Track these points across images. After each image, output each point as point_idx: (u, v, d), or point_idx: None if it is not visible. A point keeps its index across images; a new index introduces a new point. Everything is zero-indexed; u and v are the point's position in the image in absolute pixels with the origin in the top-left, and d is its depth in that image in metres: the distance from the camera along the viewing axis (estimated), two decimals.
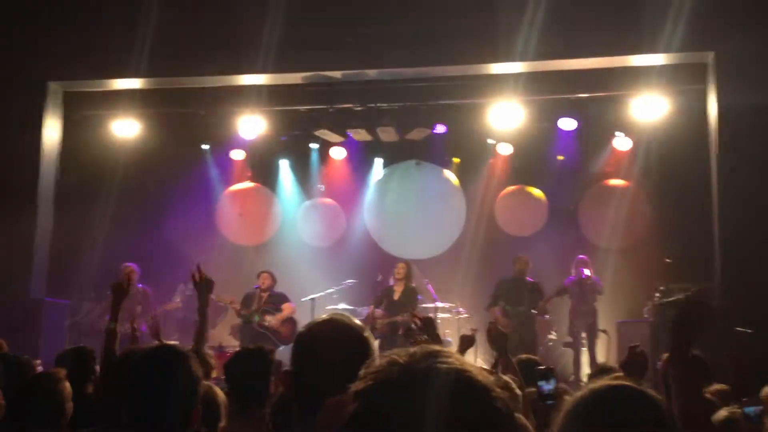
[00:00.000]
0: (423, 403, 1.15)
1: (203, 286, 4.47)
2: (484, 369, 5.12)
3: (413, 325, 4.31)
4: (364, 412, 1.18)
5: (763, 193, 8.31)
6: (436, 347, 1.25)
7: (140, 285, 10.39)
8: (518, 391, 3.85)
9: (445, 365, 1.20)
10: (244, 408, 3.34)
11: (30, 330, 9.13)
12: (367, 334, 2.15)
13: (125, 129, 11.11)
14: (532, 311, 10.07)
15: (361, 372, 1.23)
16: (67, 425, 3.70)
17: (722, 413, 3.36)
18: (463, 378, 1.19)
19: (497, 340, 4.20)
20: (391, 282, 10.23)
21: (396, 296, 10.00)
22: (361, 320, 2.31)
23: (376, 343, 2.16)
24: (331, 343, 2.09)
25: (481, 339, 10.30)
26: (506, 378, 3.96)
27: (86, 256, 11.28)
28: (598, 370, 4.55)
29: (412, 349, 1.25)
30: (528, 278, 10.30)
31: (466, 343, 4.79)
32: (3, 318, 8.76)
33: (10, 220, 9.61)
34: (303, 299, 10.53)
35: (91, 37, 9.60)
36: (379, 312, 9.87)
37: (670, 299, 8.91)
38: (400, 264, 10.28)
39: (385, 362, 1.22)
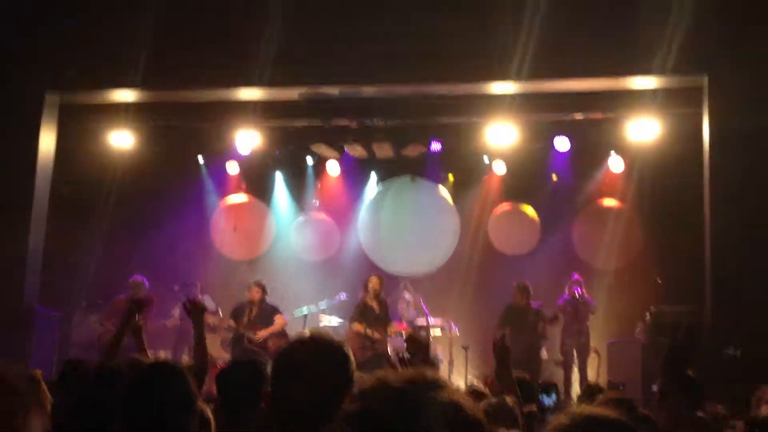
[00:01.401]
0: (409, 427, 1.16)
1: (195, 313, 4.39)
2: (477, 387, 5.12)
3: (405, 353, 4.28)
4: None
5: (755, 216, 8.36)
6: (429, 373, 1.26)
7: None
8: (515, 409, 3.85)
9: (437, 395, 1.21)
10: (233, 420, 3.32)
11: (21, 338, 9.11)
12: (347, 351, 2.10)
13: (121, 141, 11.11)
14: (537, 339, 10.06)
15: (354, 391, 1.23)
16: None
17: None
18: (455, 410, 1.20)
19: (501, 353, 4.18)
20: (361, 295, 10.18)
21: (377, 311, 9.96)
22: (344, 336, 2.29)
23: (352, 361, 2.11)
24: (308, 361, 2.04)
25: (471, 356, 10.38)
26: (507, 398, 3.95)
27: (79, 267, 11.25)
28: (588, 390, 4.56)
29: (403, 374, 1.26)
30: (532, 304, 10.26)
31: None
32: None
33: (3, 229, 9.60)
34: (296, 314, 10.51)
35: (90, 49, 9.63)
36: (358, 327, 9.85)
37: (663, 322, 8.91)
38: (374, 278, 10.20)
39: (376, 384, 1.23)
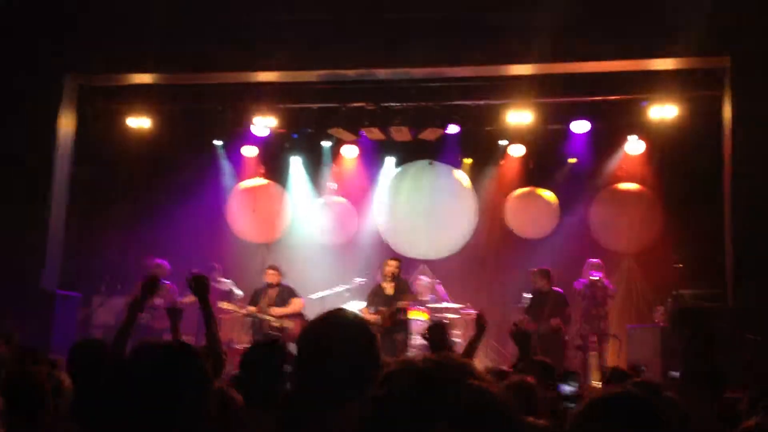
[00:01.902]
0: (437, 415, 1.15)
1: (198, 286, 4.28)
2: (501, 368, 5.11)
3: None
4: (378, 418, 1.18)
5: None
6: (455, 357, 1.24)
7: (167, 282, 10.35)
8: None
9: (464, 379, 1.20)
10: (258, 401, 3.31)
11: (41, 322, 9.19)
12: (372, 330, 2.12)
13: (139, 124, 11.14)
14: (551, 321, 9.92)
15: (380, 377, 1.22)
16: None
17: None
18: (480, 394, 1.19)
19: (520, 339, 4.16)
20: (379, 279, 10.16)
21: (389, 291, 9.91)
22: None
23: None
24: (334, 339, 2.06)
25: (488, 340, 10.35)
26: (527, 378, 3.93)
27: (98, 250, 11.31)
28: (615, 375, 4.53)
29: (428, 357, 1.25)
30: (554, 288, 10.17)
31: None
32: (15, 310, 8.81)
33: (23, 213, 9.67)
34: (313, 297, 10.53)
35: (109, 32, 9.65)
36: (363, 311, 9.83)
37: (683, 308, 8.81)
38: (390, 261, 10.17)
39: (403, 368, 1.22)
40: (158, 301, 10.05)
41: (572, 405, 3.54)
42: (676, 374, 4.47)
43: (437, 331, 4.01)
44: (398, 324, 9.68)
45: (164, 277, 10.19)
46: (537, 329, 9.57)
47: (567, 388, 3.67)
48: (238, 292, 10.99)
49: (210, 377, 2.38)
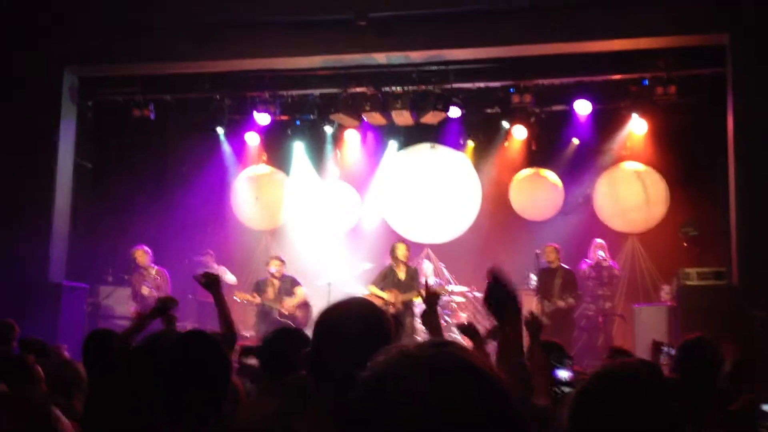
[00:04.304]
0: (423, 391, 1.15)
1: (211, 285, 4.44)
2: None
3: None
4: (365, 399, 1.19)
5: None
6: (443, 337, 1.25)
7: (156, 266, 10.46)
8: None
9: (449, 355, 1.20)
10: (276, 379, 3.31)
11: (49, 314, 9.24)
12: (386, 314, 2.19)
13: (141, 113, 11.13)
14: (568, 300, 9.91)
15: (370, 362, 1.23)
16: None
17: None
18: (467, 368, 1.19)
19: (532, 327, 4.16)
20: (389, 262, 10.17)
21: (401, 276, 9.95)
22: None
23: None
24: (352, 323, 2.11)
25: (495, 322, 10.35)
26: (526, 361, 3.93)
27: (104, 240, 11.36)
28: (613, 352, 4.55)
29: (421, 340, 1.25)
30: (561, 265, 10.20)
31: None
32: (22, 302, 8.86)
33: (28, 205, 9.71)
34: (319, 283, 10.56)
35: (108, 22, 9.63)
36: (372, 289, 9.88)
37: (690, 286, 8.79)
38: (401, 245, 10.18)
39: (393, 351, 1.22)
40: (145, 290, 10.13)
41: (567, 390, 3.54)
42: (672, 350, 4.47)
43: (432, 298, 3.99)
44: (407, 308, 9.74)
45: (148, 262, 10.32)
46: (544, 309, 9.62)
47: (562, 374, 3.67)
48: (231, 277, 11.04)
49: (231, 364, 2.42)
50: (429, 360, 1.19)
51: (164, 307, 4.40)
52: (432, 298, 3.78)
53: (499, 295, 2.61)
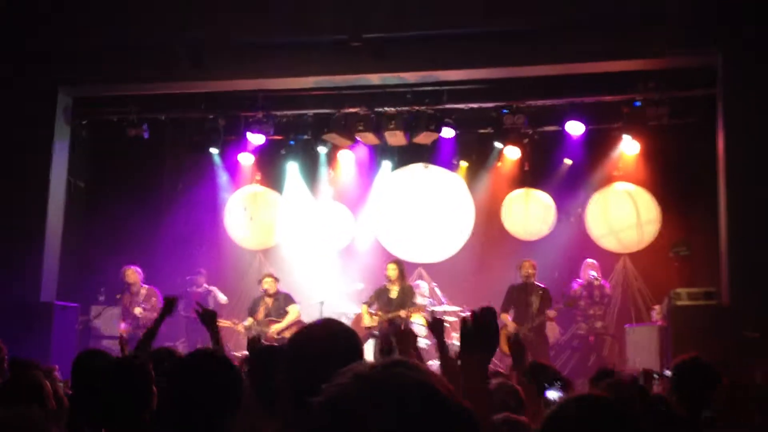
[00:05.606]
0: (376, 412, 1.14)
1: (207, 319, 4.61)
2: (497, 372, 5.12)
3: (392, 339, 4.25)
4: (319, 423, 1.18)
5: None
6: (402, 358, 1.25)
7: (147, 285, 10.45)
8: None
9: (401, 376, 1.19)
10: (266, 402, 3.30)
11: (41, 334, 9.20)
12: (356, 335, 2.25)
13: (134, 133, 11.15)
14: (543, 316, 9.91)
15: (324, 386, 1.22)
16: None
17: None
18: (423, 388, 1.18)
19: (516, 350, 4.18)
20: (384, 281, 10.15)
21: (393, 294, 9.93)
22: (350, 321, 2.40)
23: (369, 343, 2.24)
24: (322, 345, 2.15)
25: None
26: (515, 385, 3.94)
27: (95, 260, 11.33)
28: (600, 374, 4.56)
29: (376, 362, 1.25)
30: (536, 282, 10.19)
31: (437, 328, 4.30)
32: (14, 322, 8.82)
33: (20, 225, 9.69)
34: (312, 302, 10.54)
35: (101, 42, 9.67)
36: (363, 308, 9.89)
37: (680, 306, 8.81)
38: (390, 264, 10.18)
39: (348, 373, 1.21)
40: (138, 311, 10.12)
41: None
42: (669, 373, 4.48)
43: (404, 338, 3.96)
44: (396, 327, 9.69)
45: (139, 282, 10.37)
46: (519, 330, 9.64)
47: (553, 393, 3.68)
48: (222, 297, 11.02)
49: (242, 382, 2.47)
50: (381, 383, 1.18)
51: (171, 307, 4.68)
52: (437, 324, 3.76)
53: (477, 334, 2.47)
